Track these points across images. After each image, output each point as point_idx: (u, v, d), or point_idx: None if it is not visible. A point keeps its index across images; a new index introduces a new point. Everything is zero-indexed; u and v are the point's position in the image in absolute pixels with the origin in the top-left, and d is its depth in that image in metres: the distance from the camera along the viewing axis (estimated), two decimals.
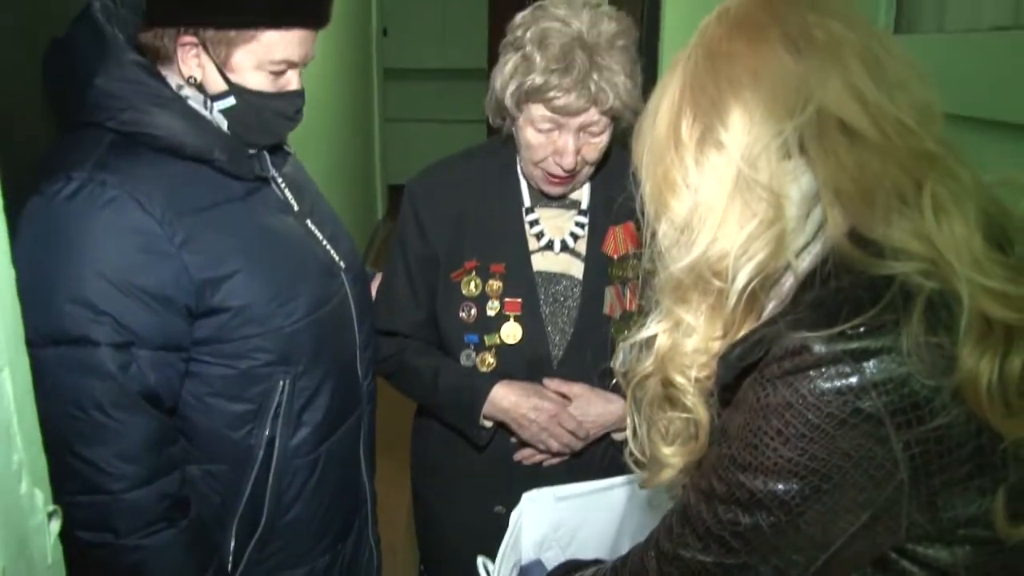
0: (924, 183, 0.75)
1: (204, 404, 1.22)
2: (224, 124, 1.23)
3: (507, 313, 1.46)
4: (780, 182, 0.78)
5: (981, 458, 0.71)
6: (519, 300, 1.46)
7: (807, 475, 0.72)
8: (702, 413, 0.85)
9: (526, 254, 1.49)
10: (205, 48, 1.17)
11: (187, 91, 1.21)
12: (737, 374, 0.79)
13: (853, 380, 0.69)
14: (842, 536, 0.74)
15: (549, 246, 1.49)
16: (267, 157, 1.30)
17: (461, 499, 1.59)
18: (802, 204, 0.79)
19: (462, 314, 1.48)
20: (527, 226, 1.49)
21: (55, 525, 0.63)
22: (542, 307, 1.48)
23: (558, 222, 1.51)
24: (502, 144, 1.53)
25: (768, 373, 0.74)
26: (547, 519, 1.23)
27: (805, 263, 0.80)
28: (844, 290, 0.73)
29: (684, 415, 0.87)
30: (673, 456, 0.89)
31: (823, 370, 0.70)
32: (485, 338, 1.47)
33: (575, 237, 1.50)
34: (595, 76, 1.31)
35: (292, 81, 1.24)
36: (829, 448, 0.70)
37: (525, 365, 1.47)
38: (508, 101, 1.39)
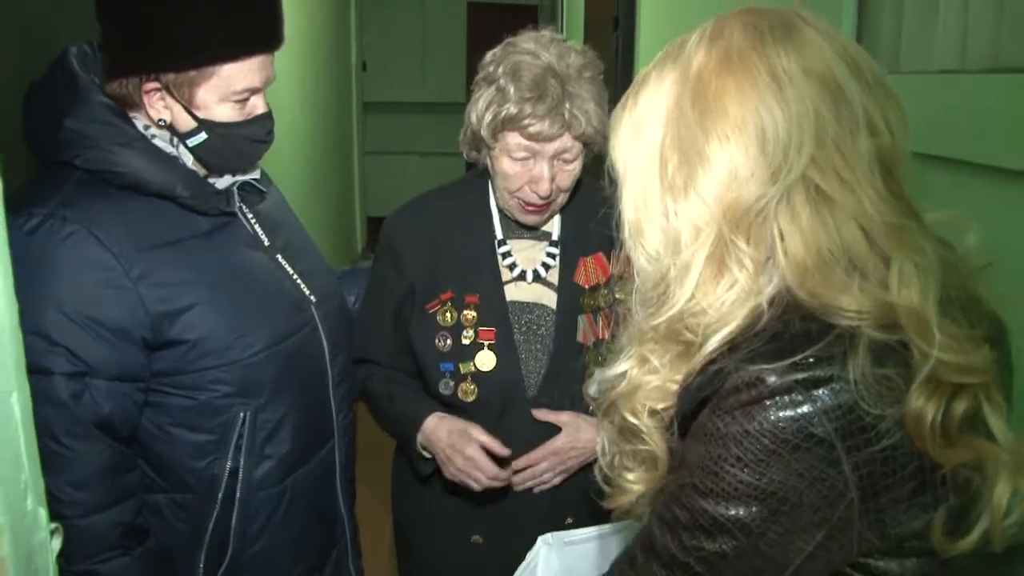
0: (894, 259, 0.77)
1: (166, 433, 1.23)
2: (190, 161, 1.25)
3: (481, 342, 1.48)
4: (759, 248, 0.80)
5: (923, 476, 0.74)
6: (493, 329, 1.48)
7: (766, 498, 0.74)
8: (658, 444, 0.87)
9: (499, 285, 1.51)
10: (169, 91, 1.20)
11: (154, 131, 1.23)
12: (695, 405, 0.82)
13: (805, 408, 0.72)
14: (800, 556, 0.75)
15: (522, 276, 1.52)
16: (235, 193, 1.32)
17: (440, 529, 1.60)
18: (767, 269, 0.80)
19: (438, 343, 1.49)
20: (500, 257, 1.52)
21: (56, 543, 0.65)
22: (516, 336, 1.50)
23: (530, 253, 1.54)
24: (476, 179, 1.57)
25: (726, 405, 0.76)
26: (560, 564, 1.24)
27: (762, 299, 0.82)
28: (795, 327, 0.76)
29: (643, 447, 0.89)
30: (636, 482, 0.90)
31: (777, 399, 0.72)
32: (460, 366, 1.48)
33: (546, 267, 1.53)
34: (567, 104, 1.36)
35: (258, 106, 1.27)
36: (785, 471, 0.73)
37: (499, 392, 1.49)
38: (484, 132, 1.42)
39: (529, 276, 1.52)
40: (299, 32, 4.75)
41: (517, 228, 1.54)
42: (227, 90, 1.20)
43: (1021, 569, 0.88)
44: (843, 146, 0.77)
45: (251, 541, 1.30)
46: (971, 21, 1.23)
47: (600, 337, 1.51)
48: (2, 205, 0.55)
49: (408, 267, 1.52)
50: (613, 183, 0.91)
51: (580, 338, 1.50)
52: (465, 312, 1.49)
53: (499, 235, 1.53)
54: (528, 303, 1.52)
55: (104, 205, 1.16)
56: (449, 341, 1.49)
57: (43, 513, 0.67)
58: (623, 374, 0.90)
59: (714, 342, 0.80)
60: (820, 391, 0.72)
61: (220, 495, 1.26)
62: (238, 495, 1.26)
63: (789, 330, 0.76)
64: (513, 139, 1.40)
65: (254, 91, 1.24)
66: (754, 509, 0.74)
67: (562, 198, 1.49)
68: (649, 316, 0.86)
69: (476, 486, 1.43)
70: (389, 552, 1.72)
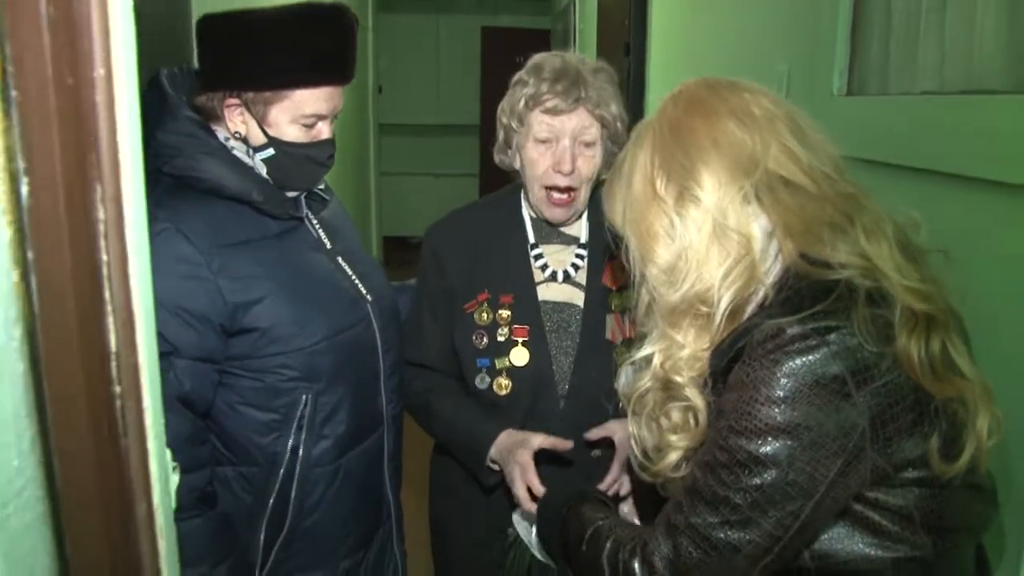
0: (854, 216, 0.96)
1: (236, 411, 1.38)
2: (264, 171, 1.41)
3: (515, 339, 1.59)
4: (746, 225, 0.98)
5: (920, 408, 0.89)
6: (526, 327, 1.60)
7: (793, 430, 0.88)
8: (699, 401, 1.01)
9: (532, 285, 1.63)
10: (247, 107, 1.36)
11: (233, 143, 1.39)
12: (727, 362, 0.96)
13: (821, 351, 0.87)
14: (824, 483, 0.89)
15: (553, 277, 1.64)
16: (303, 201, 1.48)
17: (475, 520, 1.70)
18: (764, 239, 0.99)
19: (475, 340, 1.61)
20: (532, 260, 1.65)
21: (176, 477, 0.79)
22: (547, 333, 1.62)
23: (560, 256, 1.67)
24: (509, 193, 1.72)
25: (753, 354, 0.91)
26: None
27: (771, 278, 0.99)
28: (804, 289, 0.92)
29: (684, 404, 1.02)
30: (679, 441, 1.03)
31: (796, 345, 0.88)
32: (496, 361, 1.59)
33: (576, 268, 1.65)
34: (583, 86, 1.52)
35: (323, 131, 1.42)
36: (807, 407, 0.87)
37: (532, 385, 1.60)
38: (512, 122, 1.58)
39: (560, 277, 1.64)
40: None
41: (548, 233, 1.67)
42: (297, 112, 1.36)
43: (988, 507, 1.01)
44: (796, 153, 0.98)
45: (307, 513, 1.43)
46: (948, 48, 1.38)
47: (627, 336, 1.61)
48: (144, 206, 0.69)
49: (448, 270, 1.65)
50: (615, 242, 1.10)
51: (608, 336, 1.61)
52: (500, 311, 1.61)
53: (531, 239, 1.67)
54: (559, 303, 1.63)
55: (189, 206, 1.31)
56: (485, 339, 1.60)
57: (168, 453, 0.81)
58: (650, 356, 1.05)
59: (725, 301, 0.97)
60: (831, 336, 0.87)
61: (282, 470, 1.39)
62: (297, 470, 1.40)
63: (799, 291, 0.92)
64: (535, 118, 1.54)
65: (320, 117, 1.40)
66: (784, 441, 0.88)
67: (585, 191, 1.60)
68: (665, 297, 1.02)
69: (518, 499, 1.47)
70: (425, 550, 1.85)
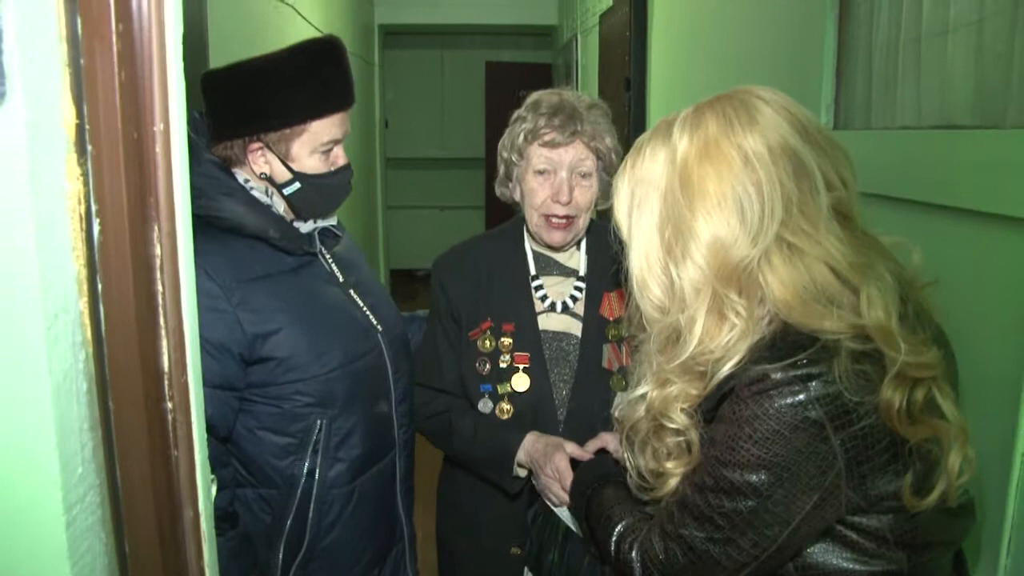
0: (861, 288, 0.98)
1: (255, 436, 1.46)
2: (281, 208, 1.51)
3: (517, 365, 1.67)
4: (750, 294, 1.01)
5: (895, 449, 0.95)
6: (527, 354, 1.68)
7: (772, 467, 0.95)
8: (693, 433, 1.07)
9: (533, 315, 1.71)
10: (269, 148, 1.46)
11: (252, 183, 1.49)
12: (718, 399, 1.03)
13: (802, 396, 0.93)
14: (800, 514, 0.96)
15: (552, 307, 1.73)
16: (316, 237, 1.57)
17: (482, 539, 1.76)
18: (761, 307, 1.01)
19: (478, 367, 1.69)
20: (533, 291, 1.74)
21: (213, 488, 0.87)
22: (547, 360, 1.69)
23: (560, 287, 1.75)
24: (512, 227, 1.82)
25: (741, 395, 0.98)
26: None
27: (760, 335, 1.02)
28: (789, 338, 0.98)
29: (678, 438, 1.08)
30: (676, 468, 1.09)
31: (780, 390, 0.94)
32: (498, 387, 1.67)
33: (574, 300, 1.73)
34: (579, 120, 1.63)
35: (340, 156, 1.54)
36: (787, 447, 0.94)
37: (533, 409, 1.68)
38: (513, 156, 1.68)
39: (559, 307, 1.72)
40: None
41: (548, 265, 1.75)
42: (316, 143, 1.47)
43: (966, 522, 1.09)
44: (805, 207, 0.99)
45: (324, 533, 1.50)
46: (923, 85, 1.48)
47: (623, 364, 1.68)
48: (192, 242, 0.77)
49: (454, 298, 1.74)
50: (619, 241, 1.14)
51: (605, 364, 1.68)
52: (503, 339, 1.69)
53: (533, 271, 1.75)
54: (558, 332, 1.71)
55: (211, 245, 1.39)
56: (488, 365, 1.68)
57: (208, 466, 0.90)
58: (643, 396, 1.11)
59: (724, 372, 1.01)
60: (813, 383, 0.93)
61: (299, 491, 1.46)
62: (314, 492, 1.47)
63: (785, 341, 0.97)
64: (534, 151, 1.65)
65: (336, 142, 1.51)
66: (763, 476, 0.95)
67: (583, 219, 1.69)
68: (666, 360, 1.07)
69: (555, 499, 1.52)
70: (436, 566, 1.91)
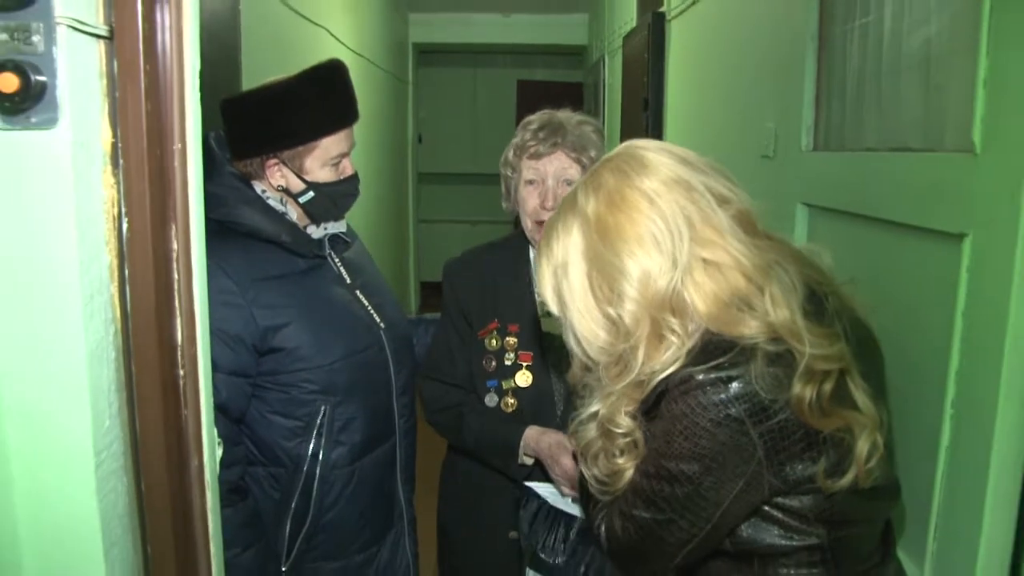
0: (764, 287, 1.11)
1: (265, 419, 1.62)
2: (295, 216, 1.68)
3: (520, 363, 1.83)
4: (682, 312, 1.13)
5: (810, 439, 1.08)
6: (530, 353, 1.83)
7: (701, 458, 1.08)
8: (638, 432, 1.20)
9: (536, 319, 1.86)
10: (284, 164, 1.64)
11: (268, 193, 1.66)
12: (655, 398, 1.16)
13: (723, 395, 1.06)
14: (728, 497, 1.10)
15: (551, 313, 1.88)
16: (326, 242, 1.74)
17: (481, 526, 1.91)
18: (690, 321, 1.14)
19: (484, 364, 1.84)
20: (536, 296, 1.86)
21: (220, 450, 1.04)
22: (548, 360, 1.83)
23: None
24: (516, 237, 1.99)
25: (673, 394, 1.11)
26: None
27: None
28: (712, 345, 1.11)
29: (627, 439, 1.21)
30: (627, 463, 1.22)
31: (704, 390, 1.07)
32: (503, 383, 1.82)
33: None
34: (562, 133, 1.80)
35: (347, 167, 1.72)
36: (712, 440, 1.07)
37: (533, 404, 1.82)
38: (507, 170, 1.87)
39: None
40: (366, 108, 5.28)
41: None
42: (326, 156, 1.65)
43: (883, 502, 1.21)
44: (708, 221, 1.13)
45: (326, 510, 1.66)
46: (884, 110, 1.60)
47: None
48: (204, 240, 0.94)
49: (464, 299, 1.91)
50: (547, 312, 1.27)
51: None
52: (508, 339, 1.84)
53: (535, 277, 1.91)
54: (557, 335, 1.87)
55: (230, 247, 1.56)
56: (494, 363, 1.84)
57: (215, 431, 1.06)
58: (594, 414, 1.24)
59: (662, 377, 1.14)
60: (732, 384, 1.06)
61: (304, 471, 1.63)
62: (318, 471, 1.63)
63: (709, 346, 1.11)
64: (524, 164, 1.83)
65: (344, 155, 1.69)
66: (694, 466, 1.09)
67: None
68: (614, 381, 1.20)
69: (569, 494, 1.71)
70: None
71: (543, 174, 1.82)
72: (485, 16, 7.76)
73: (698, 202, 1.14)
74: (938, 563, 1.27)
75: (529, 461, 1.79)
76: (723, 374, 1.06)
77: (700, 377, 1.07)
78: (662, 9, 3.96)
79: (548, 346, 1.86)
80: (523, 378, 1.83)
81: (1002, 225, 1.11)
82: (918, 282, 1.36)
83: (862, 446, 1.10)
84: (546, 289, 1.24)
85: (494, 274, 1.92)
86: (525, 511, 1.78)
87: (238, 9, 2.66)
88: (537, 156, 1.81)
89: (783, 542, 1.13)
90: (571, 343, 1.24)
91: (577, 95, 7.86)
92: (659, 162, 1.17)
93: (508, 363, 1.84)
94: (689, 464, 1.09)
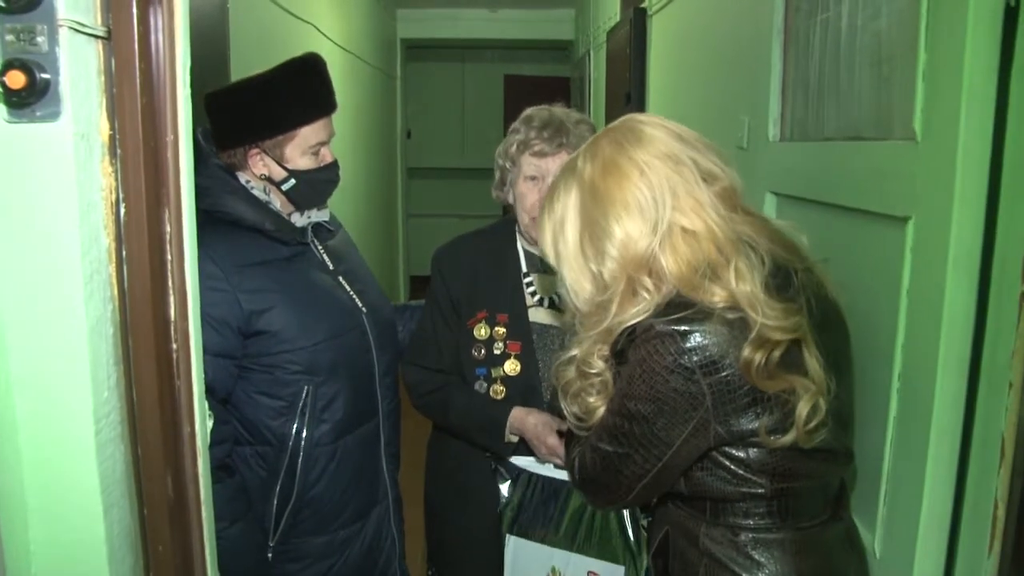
0: (731, 259, 1.20)
1: (251, 399, 1.69)
2: (278, 204, 1.76)
3: (509, 352, 1.88)
4: (657, 274, 1.23)
5: (754, 395, 1.17)
6: (519, 342, 1.88)
7: (655, 399, 1.18)
8: (608, 374, 1.30)
9: (524, 308, 1.91)
10: (266, 153, 1.71)
11: (252, 183, 1.74)
12: (623, 344, 1.25)
13: (679, 345, 1.15)
14: (679, 439, 1.19)
15: (541, 302, 1.92)
16: (309, 230, 1.81)
17: (467, 500, 1.96)
18: (661, 280, 1.23)
19: (474, 352, 1.89)
20: (525, 286, 1.94)
21: (210, 422, 1.11)
22: (536, 349, 1.89)
23: (547, 285, 1.92)
24: (504, 224, 2.04)
25: (636, 342, 1.20)
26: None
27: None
28: (676, 302, 1.20)
29: (599, 379, 1.31)
30: (598, 401, 1.32)
31: (663, 340, 1.17)
32: (492, 371, 1.88)
33: (560, 297, 1.95)
34: (565, 133, 1.84)
35: (327, 155, 1.79)
36: (665, 385, 1.17)
37: (522, 391, 1.88)
38: (507, 163, 1.91)
39: (546, 302, 1.93)
40: (354, 103, 5.34)
41: (537, 263, 1.95)
42: (305, 145, 1.73)
43: (830, 465, 1.29)
44: (692, 192, 1.22)
45: (311, 485, 1.73)
46: (841, 102, 1.69)
47: None
48: (195, 225, 1.01)
49: (453, 287, 1.96)
50: (546, 267, 1.37)
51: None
52: (497, 328, 1.90)
53: (524, 268, 1.97)
54: (545, 324, 1.92)
55: (215, 235, 1.62)
56: (483, 351, 1.90)
57: (205, 404, 1.14)
58: (572, 358, 1.34)
59: (631, 326, 1.23)
60: (689, 337, 1.15)
61: (289, 448, 1.69)
62: (302, 449, 1.70)
63: (672, 304, 1.19)
64: (525, 160, 1.87)
65: (323, 144, 1.77)
66: (649, 406, 1.19)
67: None
68: (590, 327, 1.30)
69: (560, 464, 1.78)
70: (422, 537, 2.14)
71: (544, 172, 1.86)
72: (472, 11, 7.80)
73: (684, 175, 1.23)
74: (887, 526, 1.36)
75: (514, 439, 1.86)
76: (682, 327, 1.15)
77: (660, 327, 1.16)
78: (643, 5, 4.03)
79: (537, 336, 1.92)
80: (511, 367, 1.89)
81: (939, 208, 1.20)
82: (869, 263, 1.45)
83: (802, 408, 1.18)
84: (546, 244, 1.34)
85: (483, 263, 1.97)
86: (513, 484, 1.86)
87: (226, 7, 2.73)
88: (541, 155, 1.86)
89: (730, 488, 1.23)
90: (564, 292, 1.34)
91: (564, 89, 7.90)
92: (654, 136, 1.25)
93: (497, 352, 1.89)
94: (645, 405, 1.19)
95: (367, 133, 5.86)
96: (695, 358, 1.15)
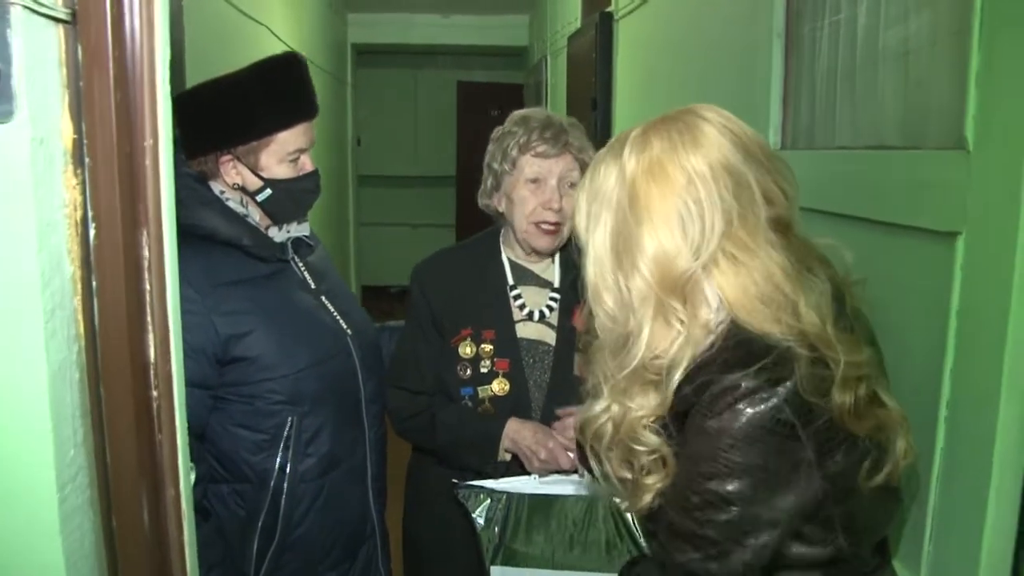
0: (798, 298, 1.04)
1: (229, 432, 1.53)
2: (256, 217, 1.59)
3: (497, 370, 1.77)
4: (693, 303, 1.07)
5: (852, 439, 1.04)
6: (507, 360, 1.78)
7: (752, 471, 1.01)
8: (665, 448, 1.11)
9: (512, 323, 1.80)
10: (239, 160, 1.55)
11: (227, 194, 1.56)
12: (686, 408, 1.07)
13: (774, 400, 1.00)
14: (785, 508, 1.01)
15: (529, 316, 1.83)
16: (289, 246, 1.65)
17: (450, 534, 1.81)
18: (711, 308, 1.07)
19: (459, 372, 1.78)
20: (512, 300, 1.84)
21: (192, 474, 0.95)
22: (525, 367, 1.79)
23: (536, 298, 1.84)
24: (487, 237, 1.92)
25: (715, 406, 1.02)
26: None
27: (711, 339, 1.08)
28: (747, 346, 1.03)
29: (653, 456, 1.12)
30: (654, 483, 1.13)
31: (752, 397, 1.00)
32: (479, 390, 1.77)
33: (550, 309, 1.84)
34: (566, 134, 1.76)
35: (307, 163, 1.63)
36: (763, 448, 1.00)
37: (511, 412, 1.77)
38: (505, 165, 1.78)
39: (535, 316, 1.82)
40: None
41: (525, 276, 1.85)
42: (283, 152, 1.57)
43: (895, 505, 1.19)
44: (745, 220, 1.06)
45: (295, 526, 1.58)
46: (859, 109, 1.60)
47: None
48: (176, 247, 0.85)
49: (435, 304, 1.83)
50: (578, 249, 1.19)
51: (577, 372, 1.78)
52: (483, 345, 1.78)
53: (511, 281, 1.85)
54: (534, 340, 1.81)
55: (188, 251, 1.44)
56: (469, 370, 1.77)
57: (189, 454, 0.97)
58: (606, 409, 1.15)
59: (677, 375, 1.07)
60: (780, 388, 1.00)
61: (272, 485, 1.54)
62: (286, 486, 1.55)
63: (745, 348, 1.03)
64: (526, 162, 1.76)
65: (302, 151, 1.61)
66: (746, 479, 1.01)
67: (568, 228, 1.77)
68: (617, 366, 1.12)
69: (567, 467, 1.67)
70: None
71: (547, 174, 1.76)
72: (424, 16, 7.71)
73: (742, 199, 1.06)
74: (933, 567, 1.26)
75: (507, 456, 1.75)
76: (770, 376, 1.00)
77: (747, 384, 1.00)
78: (609, 9, 3.94)
79: (525, 353, 1.81)
80: (500, 386, 1.78)
81: (999, 223, 1.10)
82: (899, 281, 1.35)
83: (901, 443, 1.08)
84: (580, 225, 1.17)
85: (467, 278, 1.86)
86: (490, 506, 1.71)
87: (181, 5, 2.54)
88: (545, 156, 1.76)
89: (805, 550, 1.08)
90: (587, 288, 1.17)
91: (517, 96, 7.83)
92: (715, 142, 1.07)
93: (484, 370, 1.78)
94: (740, 479, 1.01)
95: (318, 139, 5.65)
96: (792, 408, 0.99)
